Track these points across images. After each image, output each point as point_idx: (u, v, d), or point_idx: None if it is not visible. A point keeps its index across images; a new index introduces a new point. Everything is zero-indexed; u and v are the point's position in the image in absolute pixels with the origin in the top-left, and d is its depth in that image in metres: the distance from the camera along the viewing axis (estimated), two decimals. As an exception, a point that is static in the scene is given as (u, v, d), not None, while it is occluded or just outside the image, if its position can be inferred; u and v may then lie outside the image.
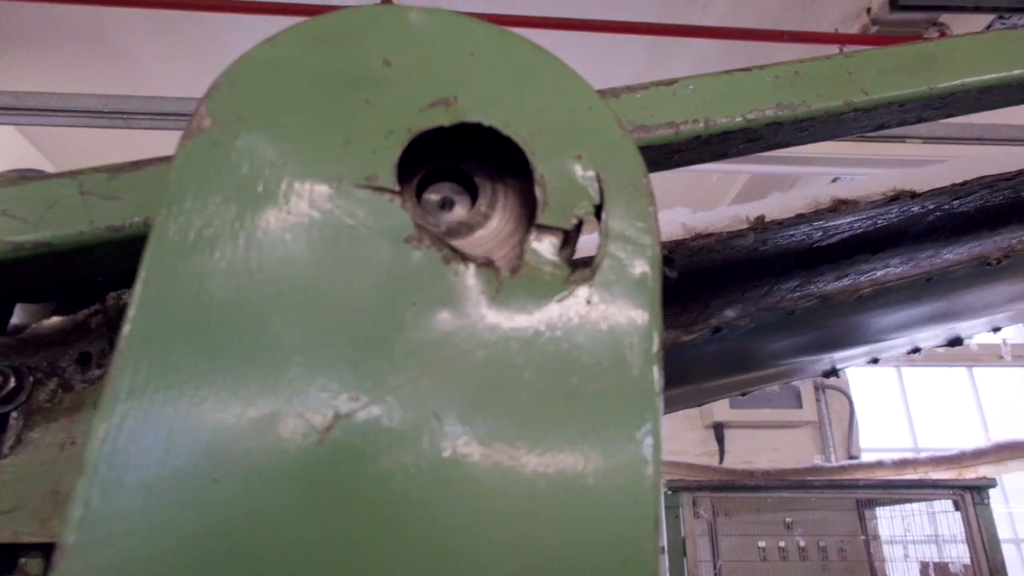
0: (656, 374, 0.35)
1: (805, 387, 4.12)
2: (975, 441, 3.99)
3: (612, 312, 0.36)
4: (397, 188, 0.35)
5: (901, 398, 4.90)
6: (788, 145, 0.59)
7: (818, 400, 4.20)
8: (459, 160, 0.40)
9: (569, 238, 0.38)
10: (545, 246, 0.37)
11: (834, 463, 3.86)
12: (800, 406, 4.08)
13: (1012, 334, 4.96)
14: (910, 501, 3.35)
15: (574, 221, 0.37)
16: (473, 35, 0.39)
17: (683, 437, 4.21)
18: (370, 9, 0.39)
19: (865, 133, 0.62)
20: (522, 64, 0.40)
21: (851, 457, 4.14)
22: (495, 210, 0.40)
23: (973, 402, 4.96)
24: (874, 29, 2.72)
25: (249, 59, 0.37)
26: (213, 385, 0.31)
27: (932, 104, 0.60)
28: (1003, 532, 4.61)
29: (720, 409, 4.08)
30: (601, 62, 3.34)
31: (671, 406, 1.46)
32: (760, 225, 0.73)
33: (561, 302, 0.35)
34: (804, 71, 0.56)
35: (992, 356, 4.64)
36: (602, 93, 0.50)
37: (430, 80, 0.38)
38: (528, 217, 0.38)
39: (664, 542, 3.08)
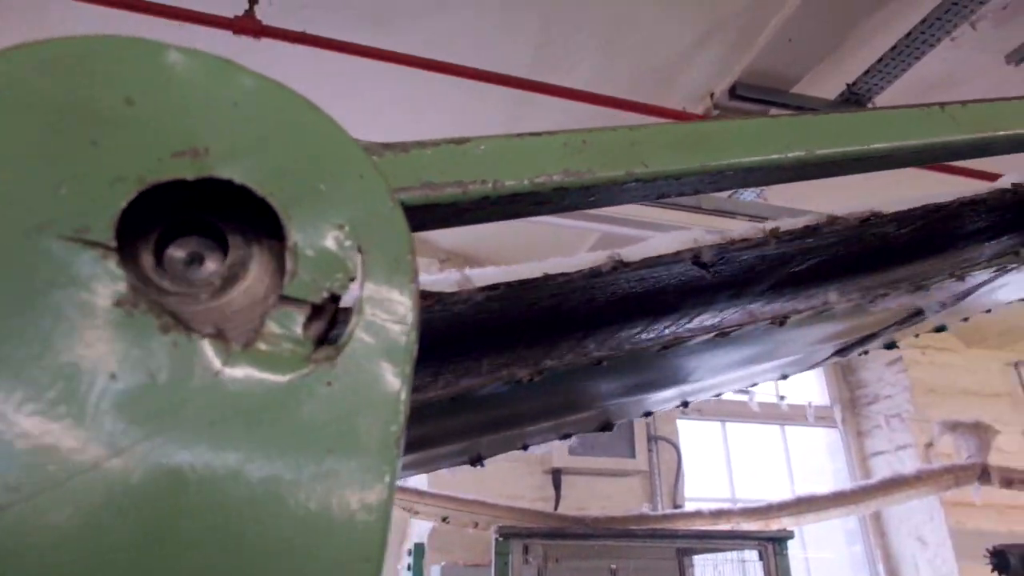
0: (392, 465, 0.33)
1: (639, 437, 4.32)
2: (782, 494, 4.37)
3: (352, 396, 0.34)
4: (113, 244, 0.31)
5: (724, 451, 5.27)
6: (576, 209, 0.61)
7: (650, 450, 4.41)
8: (212, 214, 0.37)
9: (318, 312, 0.35)
10: (289, 319, 0.34)
11: (659, 512, 4.06)
12: (633, 455, 4.26)
13: (816, 398, 5.52)
14: (722, 550, 3.58)
15: (325, 295, 0.35)
16: (240, 85, 0.37)
17: (521, 482, 4.25)
18: (119, 40, 0.35)
19: (647, 201, 0.65)
20: (292, 122, 0.38)
21: (676, 506, 4.38)
22: (248, 271, 0.37)
23: (783, 458, 5.44)
24: (715, 112, 2.98)
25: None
26: None
27: (705, 179, 0.65)
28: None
29: (559, 455, 4.17)
30: (470, 106, 3.39)
31: (492, 450, 1.46)
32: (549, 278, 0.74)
33: (296, 381, 0.33)
34: (591, 140, 0.58)
35: (800, 416, 5.13)
36: (392, 147, 0.49)
37: (179, 127, 0.35)
38: (279, 285, 0.36)
39: (492, 589, 3.06)
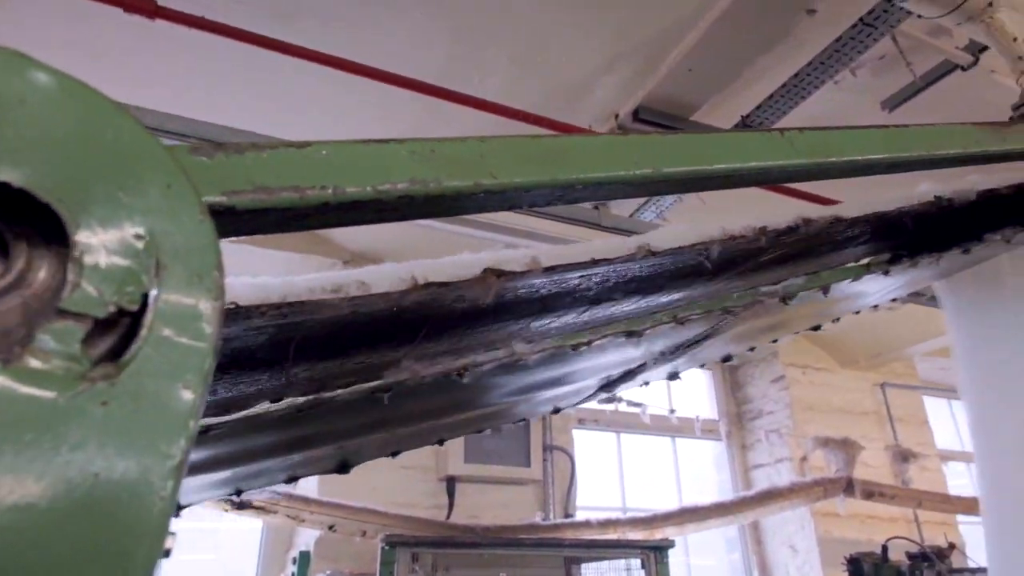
0: (168, 491, 0.32)
1: (534, 446, 4.37)
2: (670, 503, 4.54)
3: (131, 417, 0.32)
4: None
5: (617, 461, 5.42)
6: (423, 217, 0.61)
7: (545, 459, 4.47)
8: (-6, 216, 0.35)
9: (104, 327, 0.34)
10: (67, 334, 0.32)
11: (551, 521, 4.11)
12: (528, 464, 4.31)
13: (705, 412, 5.77)
14: (608, 559, 3.67)
15: (112, 309, 0.34)
16: (33, 81, 0.35)
17: (415, 489, 4.20)
18: None
19: (498, 211, 0.66)
20: (92, 125, 0.36)
21: (567, 515, 4.45)
22: (32, 280, 0.35)
23: (673, 468, 5.65)
24: (619, 133, 3.08)
25: None
26: None
27: (556, 192, 0.66)
28: (683, 585, 5.25)
29: (454, 463, 4.15)
30: (380, 108, 3.35)
31: (360, 456, 1.45)
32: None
33: (65, 400, 0.31)
34: (440, 149, 0.58)
35: (689, 429, 5.35)
36: (225, 148, 0.47)
37: (-48, 122, 0.32)
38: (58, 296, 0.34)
39: (376, 599, 3.01)
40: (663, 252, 0.89)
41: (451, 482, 4.17)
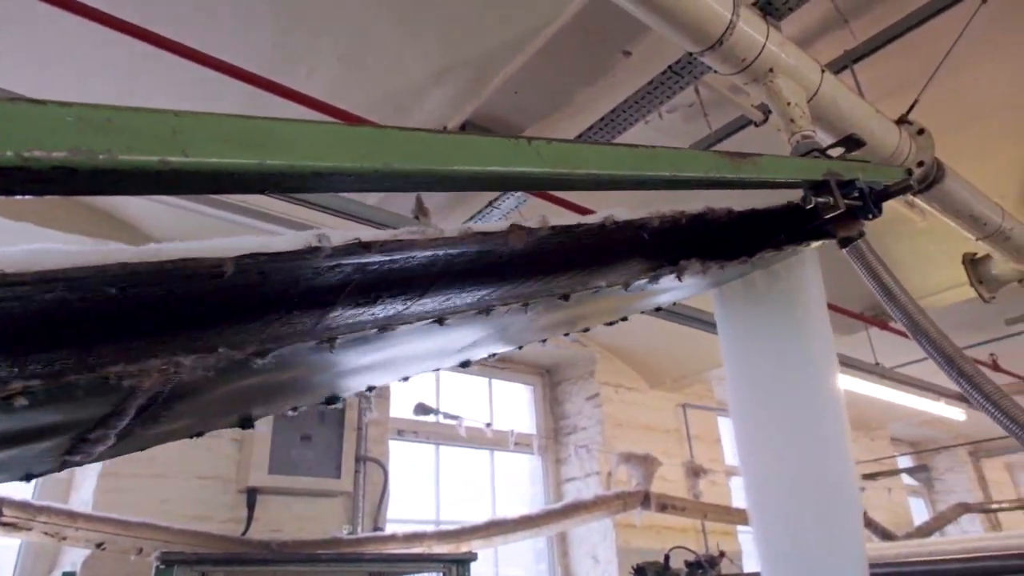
0: None
1: (346, 456, 4.24)
2: (485, 516, 4.58)
3: None
4: None
5: (435, 474, 5.41)
6: (94, 193, 0.55)
7: (357, 471, 4.35)
8: None
9: None
10: None
11: (355, 535, 4.00)
12: (338, 476, 4.17)
13: (525, 426, 5.94)
14: (411, 573, 3.63)
15: None
16: None
17: (212, 502, 3.90)
18: None
19: (190, 194, 0.62)
20: None
21: (377, 528, 4.36)
22: None
23: (490, 482, 5.74)
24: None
25: None
26: None
27: (267, 178, 0.63)
28: (490, 597, 5.33)
29: (257, 474, 3.92)
30: (203, 89, 3.11)
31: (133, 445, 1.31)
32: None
33: None
34: (119, 119, 0.53)
35: (504, 442, 5.47)
36: None
37: None
38: None
39: (147, 623, 2.74)
40: (466, 238, 0.88)
41: (252, 494, 3.92)
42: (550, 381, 6.49)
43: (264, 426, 3.99)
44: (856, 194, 1.49)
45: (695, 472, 5.77)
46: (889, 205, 1.60)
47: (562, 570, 5.69)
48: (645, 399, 6.34)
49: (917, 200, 3.10)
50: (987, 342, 6.01)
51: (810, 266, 1.53)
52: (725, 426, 6.95)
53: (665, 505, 4.84)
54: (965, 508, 7.71)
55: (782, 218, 1.50)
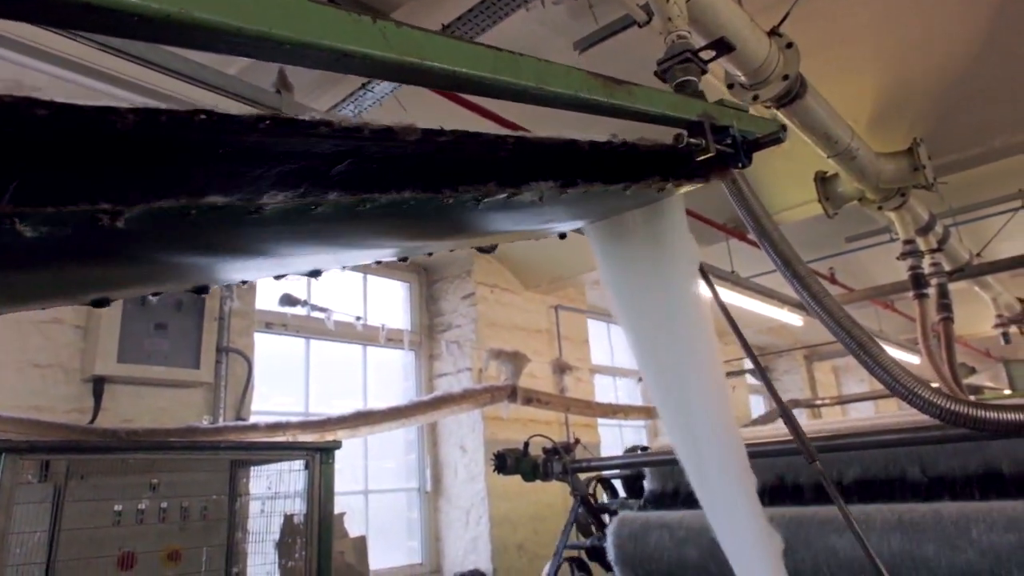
0: None
1: (206, 347, 4.06)
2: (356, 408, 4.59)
3: None
4: None
5: (304, 368, 5.33)
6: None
7: (218, 362, 4.19)
8: None
9: None
10: None
11: (216, 424, 3.91)
12: (197, 366, 4.00)
13: (394, 322, 5.94)
14: (274, 461, 3.61)
15: None
16: None
17: (51, 392, 3.64)
18: None
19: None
20: None
21: (239, 419, 4.27)
22: None
23: (361, 376, 5.75)
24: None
25: None
26: None
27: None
28: (358, 484, 5.46)
29: (104, 362, 3.68)
30: None
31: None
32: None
33: None
34: None
35: (377, 337, 5.46)
36: None
37: None
38: None
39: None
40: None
41: (99, 383, 3.69)
42: (427, 279, 6.48)
43: (112, 312, 3.71)
44: (729, 141, 1.48)
45: (562, 369, 6.06)
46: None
47: (431, 459, 5.90)
48: (519, 300, 6.49)
49: (778, 114, 3.23)
50: (827, 256, 6.59)
51: (677, 205, 1.59)
52: (594, 328, 7.30)
53: (531, 399, 5.07)
54: (794, 404, 8.69)
55: (655, 157, 1.48)
